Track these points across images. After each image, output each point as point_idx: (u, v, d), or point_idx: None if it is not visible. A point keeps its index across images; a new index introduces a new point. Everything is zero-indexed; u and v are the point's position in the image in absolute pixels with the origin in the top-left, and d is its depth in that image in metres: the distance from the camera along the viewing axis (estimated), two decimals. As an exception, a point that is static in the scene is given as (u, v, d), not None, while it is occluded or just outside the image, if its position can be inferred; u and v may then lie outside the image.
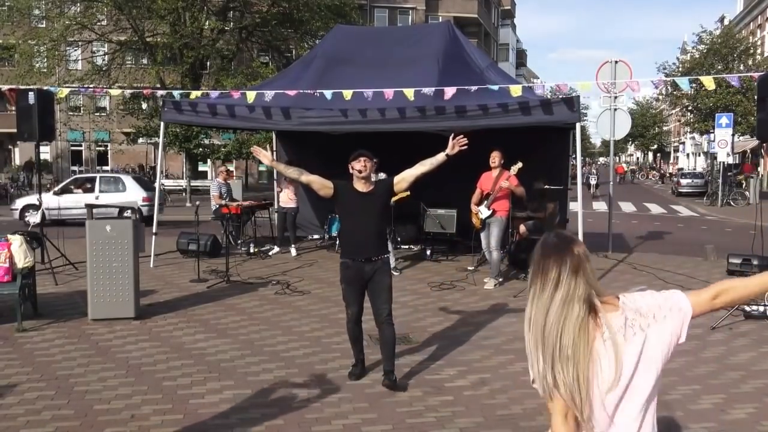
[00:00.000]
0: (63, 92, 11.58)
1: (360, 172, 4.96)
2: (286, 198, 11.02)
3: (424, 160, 5.08)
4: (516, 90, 8.69)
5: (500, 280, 8.70)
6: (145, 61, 26.48)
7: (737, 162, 38.70)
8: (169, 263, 10.08)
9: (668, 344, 1.85)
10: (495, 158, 8.51)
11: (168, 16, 22.53)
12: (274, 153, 13.40)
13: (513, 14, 66.17)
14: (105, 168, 39.05)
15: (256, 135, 26.47)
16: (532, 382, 1.90)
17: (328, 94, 8.82)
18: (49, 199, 15.61)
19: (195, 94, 10.70)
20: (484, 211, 8.52)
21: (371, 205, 4.99)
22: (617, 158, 78.85)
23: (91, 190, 16.73)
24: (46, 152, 37.03)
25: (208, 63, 26.73)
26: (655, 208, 24.22)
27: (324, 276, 9.21)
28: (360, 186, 5.00)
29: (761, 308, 6.91)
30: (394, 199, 9.44)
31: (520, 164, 8.34)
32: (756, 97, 7.89)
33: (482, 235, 8.72)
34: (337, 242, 11.16)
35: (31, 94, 9.19)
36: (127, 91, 14.46)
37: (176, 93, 10.42)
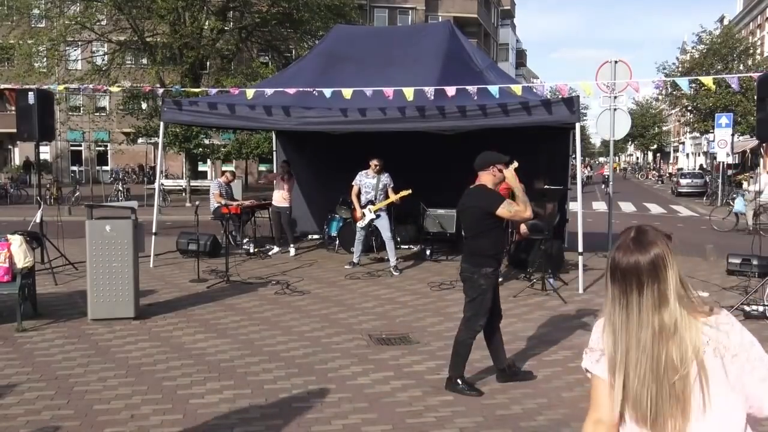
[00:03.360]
0: (62, 89, 11.59)
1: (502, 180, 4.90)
2: (280, 198, 11.01)
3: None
4: (516, 90, 8.69)
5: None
6: (144, 61, 26.45)
7: (737, 162, 38.71)
8: (169, 263, 10.08)
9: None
10: None
11: (168, 16, 22.49)
12: (274, 153, 13.41)
13: (513, 14, 66.18)
14: (105, 168, 39.06)
15: (256, 135, 26.50)
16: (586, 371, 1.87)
17: (327, 93, 8.82)
18: None
19: (195, 91, 10.70)
20: None
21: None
22: (616, 158, 78.87)
23: None
24: (45, 152, 37.01)
25: (207, 63, 26.72)
26: (654, 208, 24.22)
27: (324, 276, 9.21)
28: (496, 188, 4.96)
29: (761, 308, 6.91)
30: (396, 196, 9.47)
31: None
32: (756, 97, 7.89)
33: None
34: (337, 242, 11.18)
35: (30, 94, 9.18)
36: (127, 85, 14.42)
37: (176, 88, 10.41)
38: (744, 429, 1.73)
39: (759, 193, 15.22)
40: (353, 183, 9.58)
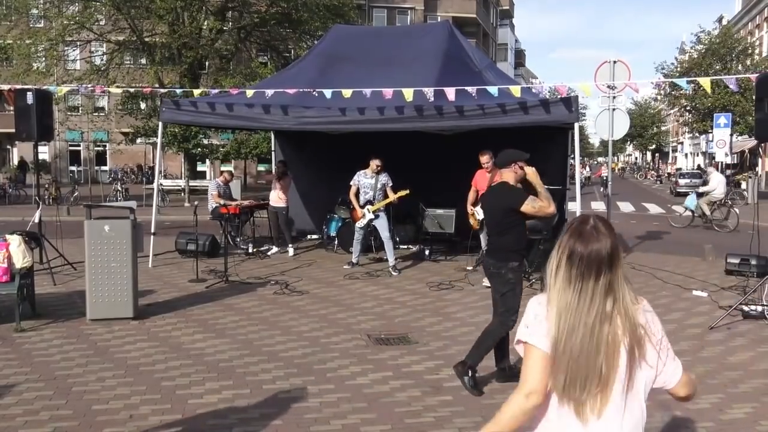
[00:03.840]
0: (61, 91, 11.58)
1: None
2: (276, 197, 10.99)
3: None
4: (515, 91, 8.70)
5: None
6: (143, 61, 26.43)
7: (736, 162, 38.74)
8: (168, 263, 10.08)
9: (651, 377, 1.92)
10: (488, 163, 8.50)
11: (166, 16, 22.48)
12: (273, 153, 13.40)
13: (512, 14, 66.20)
14: (104, 168, 39.03)
15: (255, 135, 26.48)
16: (516, 343, 1.98)
17: (327, 93, 8.82)
18: None
19: (196, 92, 10.69)
20: (480, 212, 8.51)
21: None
22: (615, 158, 78.92)
23: None
24: (44, 152, 36.99)
25: (206, 63, 26.71)
26: (653, 208, 24.23)
27: (322, 276, 9.21)
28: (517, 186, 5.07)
29: (759, 308, 6.92)
30: (394, 196, 9.47)
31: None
32: (754, 97, 7.89)
33: (482, 236, 8.73)
34: (336, 242, 11.18)
35: (29, 94, 9.17)
36: (127, 88, 14.40)
37: (177, 92, 10.40)
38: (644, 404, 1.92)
39: (707, 193, 16.55)
40: (351, 183, 9.58)
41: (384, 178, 9.51)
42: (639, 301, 1.93)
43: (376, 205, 9.42)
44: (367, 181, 9.47)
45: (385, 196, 9.51)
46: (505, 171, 4.98)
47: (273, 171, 12.35)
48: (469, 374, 4.79)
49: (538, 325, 1.92)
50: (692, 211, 16.57)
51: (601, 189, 26.68)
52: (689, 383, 1.99)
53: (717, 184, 16.42)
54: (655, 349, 1.89)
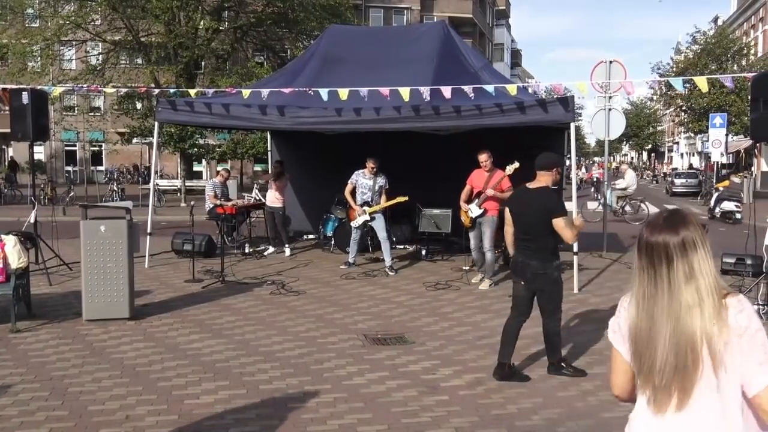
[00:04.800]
0: (57, 91, 11.56)
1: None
2: (273, 198, 10.96)
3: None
4: (511, 90, 8.70)
5: (495, 280, 8.71)
6: (139, 60, 26.39)
7: (731, 161, 38.86)
8: (164, 263, 10.06)
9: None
10: (487, 162, 8.49)
11: (162, 16, 22.44)
12: (269, 153, 13.39)
13: (508, 14, 66.30)
14: (99, 168, 38.93)
15: (251, 135, 26.46)
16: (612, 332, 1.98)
17: (323, 93, 8.82)
18: None
19: (192, 92, 10.68)
20: (474, 210, 8.50)
21: None
22: (612, 158, 78.97)
23: None
24: (40, 152, 36.87)
25: (202, 63, 26.67)
26: (651, 208, 24.23)
27: (319, 276, 9.21)
28: None
29: (755, 308, 6.94)
30: (390, 202, 9.48)
31: (516, 164, 8.32)
32: (749, 97, 7.92)
33: (472, 235, 8.66)
34: (332, 242, 11.17)
35: (24, 94, 9.14)
36: (122, 90, 14.40)
37: (173, 91, 10.39)
38: (740, 407, 1.80)
39: (623, 188, 18.45)
40: (349, 181, 9.56)
41: (381, 180, 9.49)
42: (727, 296, 1.82)
43: (374, 207, 9.40)
44: (365, 181, 9.46)
45: (382, 197, 9.49)
46: (545, 174, 5.14)
47: (269, 171, 12.35)
48: (564, 365, 5.17)
49: (622, 323, 1.95)
50: (609, 206, 16.91)
51: (594, 193, 26.04)
52: None
53: (631, 181, 18.77)
54: (735, 347, 1.76)
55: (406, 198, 9.48)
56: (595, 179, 29.71)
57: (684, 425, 1.80)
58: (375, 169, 9.43)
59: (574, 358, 5.62)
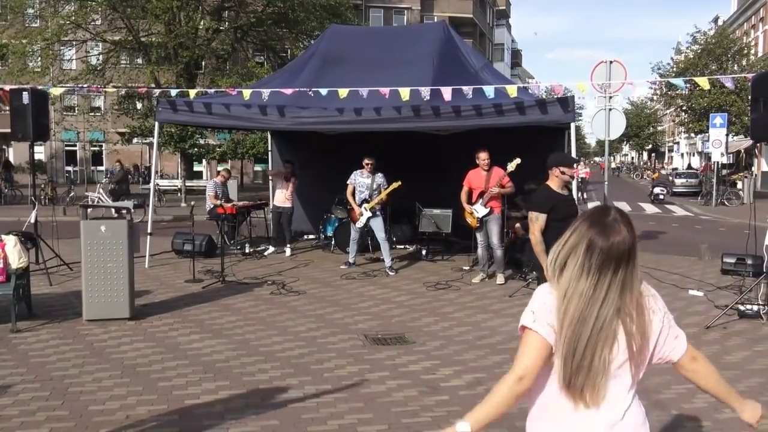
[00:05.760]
0: (56, 91, 11.55)
1: (572, 177, 5.56)
2: (283, 198, 10.93)
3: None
4: (511, 90, 8.70)
5: (508, 273, 8.76)
6: (139, 60, 26.37)
7: (731, 161, 38.82)
8: (164, 263, 10.06)
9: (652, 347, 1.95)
10: (485, 160, 8.52)
11: (163, 16, 22.43)
12: (269, 152, 13.38)
13: (508, 14, 66.28)
14: (100, 168, 38.92)
15: (251, 135, 26.45)
16: (520, 329, 1.97)
17: (323, 92, 8.81)
18: None
19: (193, 92, 10.67)
20: (481, 210, 8.52)
21: (574, 207, 5.53)
22: (612, 158, 78.98)
23: None
24: (40, 152, 36.85)
25: (203, 63, 26.66)
26: (649, 208, 24.28)
27: (319, 276, 9.21)
28: (560, 189, 5.46)
29: (755, 308, 6.94)
30: (385, 192, 9.45)
31: (518, 160, 8.37)
32: (750, 97, 7.92)
33: (479, 235, 8.75)
34: (333, 242, 11.17)
35: (25, 94, 9.14)
36: (123, 90, 14.40)
37: (173, 92, 10.39)
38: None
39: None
40: (348, 182, 9.56)
41: (380, 179, 9.49)
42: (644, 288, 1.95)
43: (372, 202, 9.40)
44: (363, 180, 9.47)
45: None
46: (550, 173, 5.39)
47: (273, 170, 12.32)
48: None
49: (545, 313, 1.91)
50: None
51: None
52: (698, 355, 2.05)
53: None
54: (659, 326, 1.94)
55: (399, 183, 9.42)
56: (580, 179, 29.82)
57: (604, 416, 1.88)
58: (372, 167, 9.42)
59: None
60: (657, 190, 27.49)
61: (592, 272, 1.84)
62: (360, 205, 9.45)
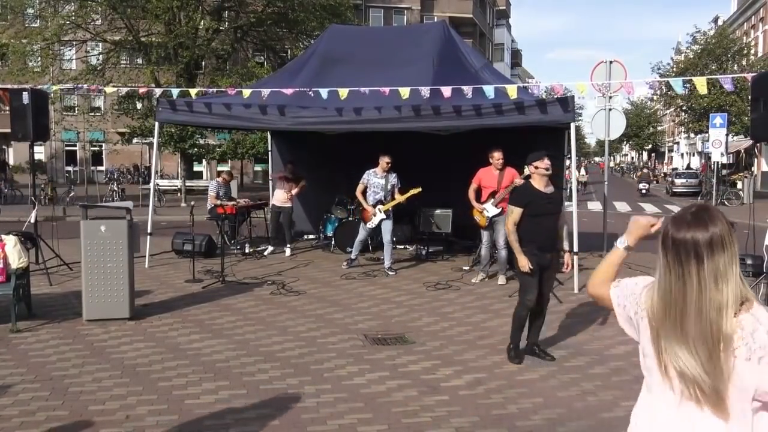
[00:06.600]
0: (56, 91, 11.56)
1: (546, 170, 5.56)
2: (283, 197, 10.91)
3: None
4: (511, 91, 8.70)
5: (509, 274, 8.77)
6: (139, 60, 26.38)
7: (731, 162, 38.84)
8: (164, 263, 10.06)
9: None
10: (500, 160, 8.52)
11: (163, 16, 22.44)
12: (269, 152, 13.38)
13: (508, 14, 66.28)
14: (100, 168, 38.92)
15: (251, 135, 26.46)
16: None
17: (323, 92, 8.81)
18: None
19: (193, 92, 10.67)
20: (491, 210, 8.52)
21: (554, 204, 5.62)
22: (612, 158, 79.01)
23: None
24: (40, 152, 36.85)
25: (203, 63, 26.68)
26: (649, 208, 24.29)
27: (319, 276, 9.21)
28: (542, 186, 5.58)
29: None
30: (407, 195, 9.43)
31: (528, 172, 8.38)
32: (750, 97, 7.92)
33: (485, 234, 8.74)
34: (333, 242, 11.17)
35: (25, 94, 9.15)
36: (123, 90, 14.36)
37: (174, 92, 10.38)
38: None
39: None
40: (360, 181, 9.48)
41: (393, 178, 9.42)
42: (749, 306, 1.74)
43: (388, 205, 9.34)
44: (377, 180, 9.37)
45: (394, 197, 9.44)
46: (531, 171, 5.63)
47: (269, 171, 12.32)
48: (512, 352, 5.52)
49: (633, 284, 1.98)
50: None
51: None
52: None
53: None
54: (755, 366, 1.68)
55: (420, 189, 9.38)
56: (580, 184, 30.44)
57: (707, 421, 1.74)
58: (389, 164, 9.34)
59: (573, 357, 5.62)
60: (640, 185, 32.12)
61: (673, 265, 1.77)
62: (374, 206, 9.38)
